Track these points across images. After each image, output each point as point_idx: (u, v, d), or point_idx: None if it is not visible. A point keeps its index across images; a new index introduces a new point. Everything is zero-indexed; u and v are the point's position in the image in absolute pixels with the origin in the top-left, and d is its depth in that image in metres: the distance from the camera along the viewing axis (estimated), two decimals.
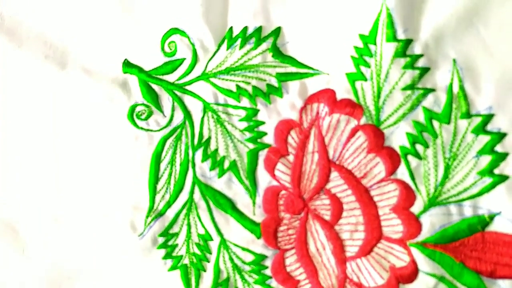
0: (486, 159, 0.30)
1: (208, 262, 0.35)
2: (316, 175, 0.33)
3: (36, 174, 0.37)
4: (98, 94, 0.37)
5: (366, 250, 0.32)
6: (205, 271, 0.35)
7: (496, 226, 0.30)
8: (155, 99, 0.36)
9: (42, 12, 0.38)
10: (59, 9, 0.37)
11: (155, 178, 0.35)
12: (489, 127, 0.30)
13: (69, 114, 0.37)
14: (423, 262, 0.30)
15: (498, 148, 0.29)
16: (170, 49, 0.35)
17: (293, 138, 0.33)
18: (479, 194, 0.30)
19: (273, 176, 0.33)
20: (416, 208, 0.31)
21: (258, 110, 0.34)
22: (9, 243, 0.38)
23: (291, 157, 0.33)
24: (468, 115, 0.30)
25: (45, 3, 0.38)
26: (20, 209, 0.38)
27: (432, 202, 0.31)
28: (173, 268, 0.35)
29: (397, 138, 0.31)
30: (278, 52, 0.34)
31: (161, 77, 0.35)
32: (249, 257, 0.34)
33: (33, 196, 0.37)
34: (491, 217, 0.30)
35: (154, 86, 0.36)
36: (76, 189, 0.37)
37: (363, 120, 0.32)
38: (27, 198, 0.38)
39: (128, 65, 0.36)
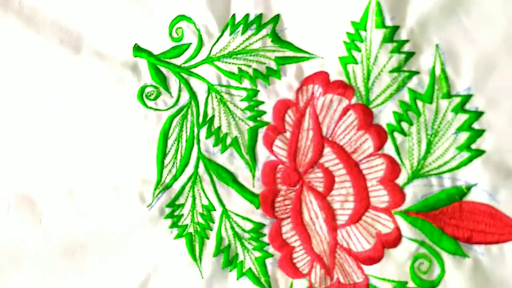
0: (464, 136, 0.33)
1: (211, 230, 0.38)
2: (310, 150, 0.36)
3: (52, 150, 0.40)
4: (110, 76, 0.39)
5: (355, 218, 0.35)
6: (208, 238, 0.38)
7: (472, 196, 0.33)
8: (163, 80, 0.39)
9: (58, 0, 0.41)
10: None
11: (162, 153, 0.38)
12: (467, 106, 0.33)
13: (83, 94, 0.40)
14: (406, 229, 0.33)
15: (475, 125, 0.32)
16: (177, 35, 0.38)
17: (290, 117, 0.36)
18: (458, 167, 0.33)
19: (271, 151, 0.37)
20: (400, 180, 0.34)
21: (258, 91, 0.37)
22: (27, 215, 0.41)
23: (288, 134, 0.36)
24: (448, 95, 0.33)
25: None
26: (37, 183, 0.41)
27: (415, 174, 0.34)
28: (178, 236, 0.38)
29: (385, 116, 0.34)
30: (277, 38, 0.36)
31: (168, 60, 0.38)
32: (249, 226, 0.37)
33: (49, 171, 0.40)
34: (468, 188, 0.33)
35: (162, 69, 0.39)
36: (89, 163, 0.40)
37: (353, 100, 0.35)
38: (44, 173, 0.40)
39: (138, 50, 0.39)
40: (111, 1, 0.39)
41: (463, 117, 0.33)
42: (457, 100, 0.33)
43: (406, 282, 0.33)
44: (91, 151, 0.40)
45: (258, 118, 0.37)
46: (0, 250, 0.41)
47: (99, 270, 0.39)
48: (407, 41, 0.33)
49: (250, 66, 0.37)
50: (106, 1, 0.39)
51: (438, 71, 0.33)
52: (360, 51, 0.34)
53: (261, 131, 0.37)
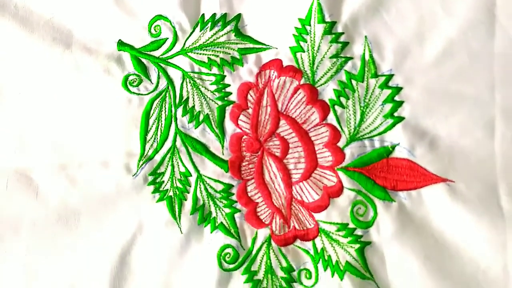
0: (388, 106, 0.41)
1: (188, 193, 0.45)
2: (269, 123, 0.44)
3: (46, 129, 0.46)
4: (97, 67, 0.46)
5: (306, 176, 0.43)
6: (185, 200, 0.45)
7: (396, 154, 0.41)
8: (144, 70, 0.46)
9: (50, 2, 0.47)
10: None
11: (145, 130, 0.45)
12: (390, 83, 0.41)
13: (75, 83, 0.46)
14: (346, 181, 0.42)
15: (397, 98, 0.41)
16: (156, 31, 0.46)
17: (251, 96, 0.44)
18: (384, 131, 0.41)
19: (237, 125, 0.44)
20: (341, 143, 0.42)
21: (225, 76, 0.44)
22: (24, 189, 0.46)
23: (250, 110, 0.44)
24: (375, 75, 0.42)
25: None
26: (33, 161, 0.46)
27: (352, 138, 0.42)
28: (160, 199, 0.45)
29: (327, 93, 0.42)
30: (239, 33, 0.44)
31: (148, 53, 0.46)
32: (220, 187, 0.44)
33: (44, 148, 0.46)
34: (393, 147, 0.41)
35: (143, 60, 0.46)
36: (80, 141, 0.46)
37: (302, 81, 0.43)
38: (39, 150, 0.46)
39: (121, 44, 0.46)
40: (97, 3, 0.46)
41: (387, 92, 0.41)
42: (382, 79, 0.42)
43: (347, 224, 0.42)
44: (83, 131, 0.46)
45: (225, 98, 0.44)
46: (1, 220, 0.47)
47: (91, 233, 0.45)
48: (342, 33, 0.42)
49: (217, 56, 0.44)
50: (93, 3, 0.46)
51: (367, 57, 0.42)
52: (306, 41, 0.43)
53: (228, 109, 0.44)
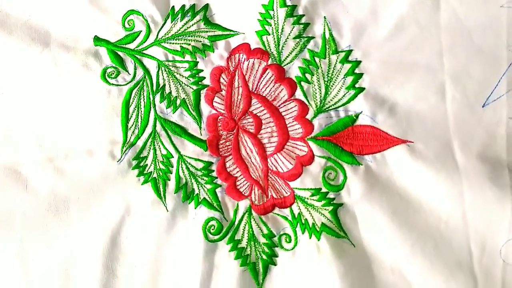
0: (349, 79, 0.45)
1: (171, 173, 0.48)
2: (242, 102, 0.47)
3: (31, 125, 0.49)
4: (76, 63, 0.49)
5: (279, 148, 0.46)
6: (169, 180, 0.48)
7: (360, 121, 0.45)
8: (121, 62, 0.48)
9: (27, 4, 0.49)
10: (40, 1, 0.49)
11: (126, 118, 0.48)
12: (349, 58, 0.45)
13: (56, 80, 0.49)
14: (316, 150, 0.45)
15: (356, 71, 0.45)
16: (129, 25, 0.48)
17: (223, 79, 0.47)
18: (348, 101, 0.45)
19: (212, 107, 0.47)
20: (309, 116, 0.46)
21: (197, 62, 0.48)
22: (13, 183, 0.49)
23: (223, 92, 0.47)
24: (336, 51, 0.45)
25: None
26: (21, 154, 0.49)
27: (319, 110, 0.46)
28: (145, 182, 0.48)
29: (293, 71, 0.46)
30: (208, 21, 0.48)
31: (124, 46, 0.48)
32: (200, 165, 0.47)
33: (31, 143, 0.49)
34: (356, 116, 0.45)
35: (119, 53, 0.48)
36: (65, 134, 0.48)
37: (270, 61, 0.46)
38: (26, 145, 0.49)
39: (98, 40, 0.49)
40: (72, 3, 0.49)
41: (347, 66, 0.45)
42: (342, 54, 0.45)
43: (320, 189, 0.45)
44: (66, 124, 0.48)
45: (200, 83, 0.48)
46: None
47: (82, 219, 0.48)
48: (303, 15, 0.46)
49: (189, 44, 0.48)
50: (68, 2, 0.49)
51: (327, 35, 0.46)
52: (270, 25, 0.46)
53: (203, 92, 0.48)
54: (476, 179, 0.42)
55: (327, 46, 0.45)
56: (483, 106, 0.43)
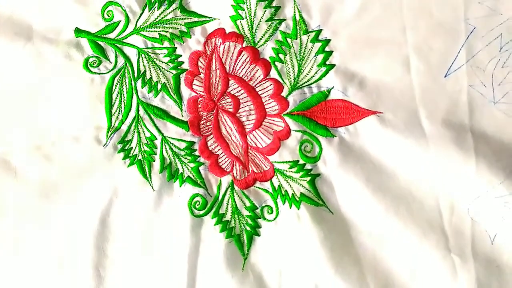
0: (320, 57, 0.47)
1: (155, 154, 0.50)
2: (220, 84, 0.49)
3: (18, 116, 0.51)
4: (59, 54, 0.51)
5: (258, 125, 0.49)
6: (154, 161, 0.50)
7: (332, 96, 0.47)
8: (102, 51, 0.51)
9: (9, 1, 0.51)
10: None
11: (109, 105, 0.50)
12: (320, 37, 0.48)
13: (40, 71, 0.51)
14: (292, 124, 0.48)
15: (327, 49, 0.47)
16: (108, 16, 0.51)
17: (201, 63, 0.50)
18: (320, 78, 0.48)
19: (192, 89, 0.50)
20: (284, 93, 0.48)
21: (176, 48, 0.50)
22: (3, 172, 0.51)
23: (202, 75, 0.50)
24: (307, 32, 0.48)
25: None
26: (9, 144, 0.51)
27: (293, 88, 0.48)
28: (131, 164, 0.50)
29: (267, 52, 0.48)
30: (184, 9, 0.50)
31: (104, 36, 0.50)
32: (183, 145, 0.50)
33: (18, 133, 0.50)
34: (329, 91, 0.48)
35: (100, 43, 0.50)
36: (51, 122, 0.50)
37: (244, 44, 0.49)
38: (14, 135, 0.51)
39: (79, 31, 0.51)
40: None
41: (318, 45, 0.48)
42: (312, 34, 0.48)
43: (297, 161, 0.48)
44: (52, 113, 0.50)
45: (179, 67, 0.50)
46: None
47: (71, 203, 0.50)
48: None
49: (167, 31, 0.50)
50: None
51: (297, 17, 0.48)
52: (243, 10, 0.49)
53: (182, 76, 0.50)
54: (442, 144, 0.45)
55: (298, 27, 0.48)
56: (445, 76, 0.46)
